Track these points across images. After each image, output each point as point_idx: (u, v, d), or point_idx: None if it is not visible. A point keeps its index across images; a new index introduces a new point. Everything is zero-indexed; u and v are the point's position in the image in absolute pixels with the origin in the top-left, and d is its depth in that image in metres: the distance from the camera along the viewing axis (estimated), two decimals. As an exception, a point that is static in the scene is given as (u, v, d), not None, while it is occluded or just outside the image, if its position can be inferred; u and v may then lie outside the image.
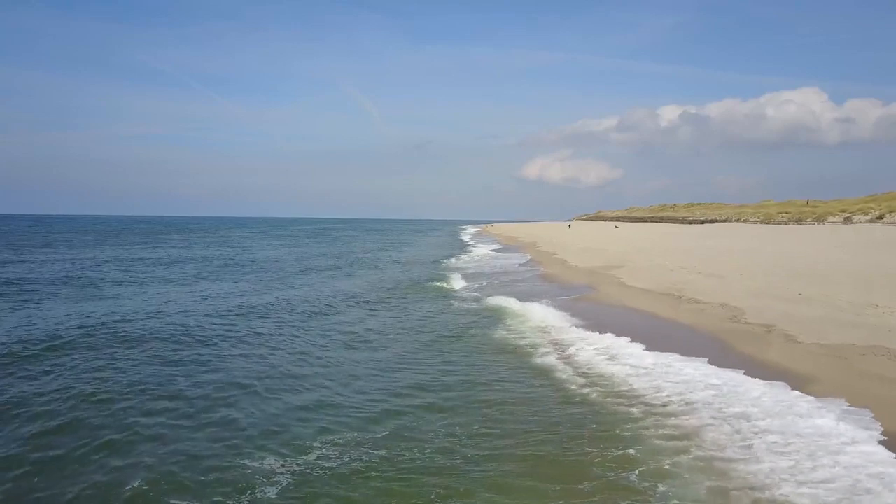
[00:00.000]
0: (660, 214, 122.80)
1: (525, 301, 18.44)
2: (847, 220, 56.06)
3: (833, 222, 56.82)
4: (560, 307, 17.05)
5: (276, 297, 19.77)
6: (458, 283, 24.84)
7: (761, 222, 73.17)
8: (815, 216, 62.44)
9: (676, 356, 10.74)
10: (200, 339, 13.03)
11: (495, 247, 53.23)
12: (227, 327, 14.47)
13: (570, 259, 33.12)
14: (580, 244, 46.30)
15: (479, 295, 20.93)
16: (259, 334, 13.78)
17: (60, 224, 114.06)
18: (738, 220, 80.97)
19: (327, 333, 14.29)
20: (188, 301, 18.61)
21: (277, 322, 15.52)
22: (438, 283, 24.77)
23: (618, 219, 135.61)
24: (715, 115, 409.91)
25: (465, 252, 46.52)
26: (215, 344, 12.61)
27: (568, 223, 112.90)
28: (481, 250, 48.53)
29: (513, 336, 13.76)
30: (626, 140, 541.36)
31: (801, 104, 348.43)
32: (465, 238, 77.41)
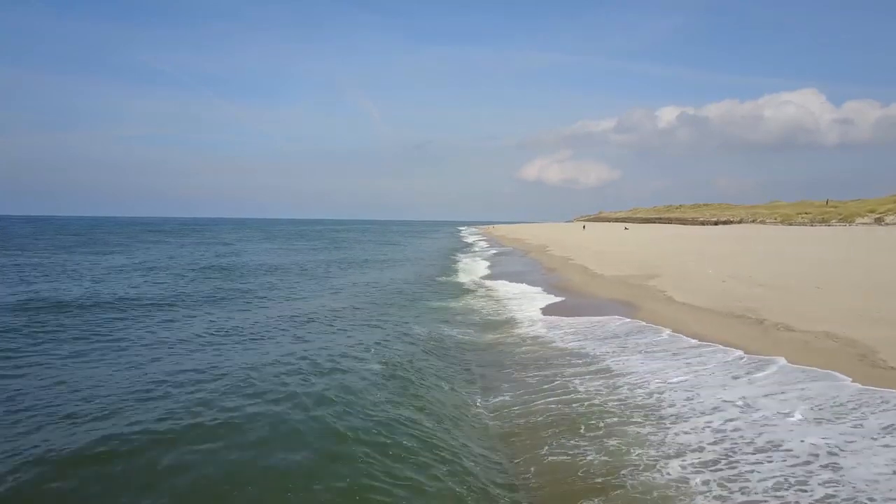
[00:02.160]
0: (666, 215, 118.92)
1: (554, 327, 14.64)
2: (878, 221, 52.25)
3: (864, 223, 53.00)
4: (605, 336, 13.18)
5: (245, 357, 11.28)
6: (472, 299, 20.98)
7: (781, 223, 69.38)
8: (841, 216, 58.62)
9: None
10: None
11: (502, 250, 49.37)
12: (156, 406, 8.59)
13: (591, 265, 29.22)
14: (595, 247, 42.47)
15: (502, 318, 17.05)
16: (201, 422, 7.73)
17: (52, 224, 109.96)
18: (753, 221, 77.19)
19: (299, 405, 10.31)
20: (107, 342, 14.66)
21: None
22: (447, 303, 20.87)
23: (622, 220, 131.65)
24: (713, 116, 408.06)
25: (472, 257, 42.62)
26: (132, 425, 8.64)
27: (582, 224, 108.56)
28: (489, 254, 44.73)
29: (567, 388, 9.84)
30: (624, 141, 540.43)
31: (799, 105, 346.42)
32: (469, 240, 73.51)
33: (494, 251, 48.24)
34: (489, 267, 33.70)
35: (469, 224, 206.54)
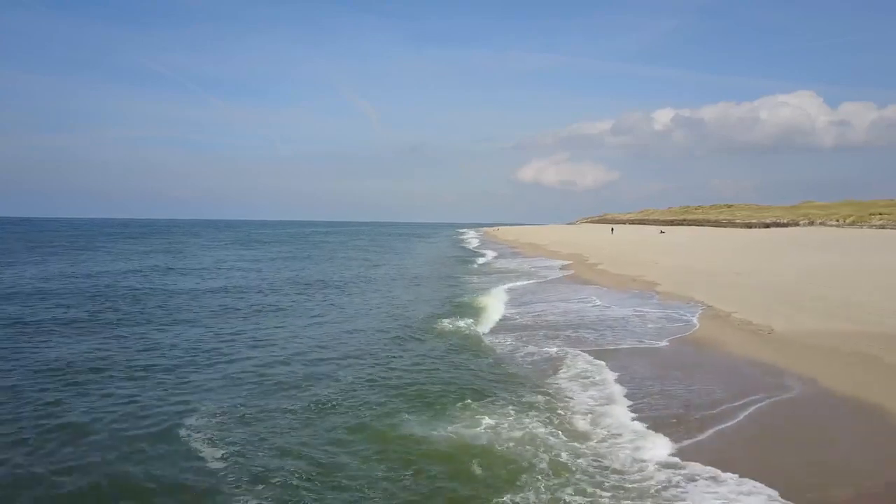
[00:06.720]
0: (687, 217, 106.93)
1: None
2: None
3: None
4: None
5: None
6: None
7: (851, 225, 57.97)
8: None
9: None
10: None
11: (523, 261, 36.96)
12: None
13: (717, 303, 17.39)
14: (664, 261, 30.53)
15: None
16: None
17: (33, 227, 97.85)
18: (811, 223, 65.73)
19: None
20: None
21: None
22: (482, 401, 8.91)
23: (635, 222, 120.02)
24: (709, 118, 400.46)
25: (489, 274, 30.55)
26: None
27: (611, 227, 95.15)
28: (512, 268, 32.37)
29: None
30: (621, 143, 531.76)
31: (795, 107, 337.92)
32: (474, 247, 61.01)
33: (511, 262, 36.14)
34: (536, 297, 21.54)
35: (466, 226, 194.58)
